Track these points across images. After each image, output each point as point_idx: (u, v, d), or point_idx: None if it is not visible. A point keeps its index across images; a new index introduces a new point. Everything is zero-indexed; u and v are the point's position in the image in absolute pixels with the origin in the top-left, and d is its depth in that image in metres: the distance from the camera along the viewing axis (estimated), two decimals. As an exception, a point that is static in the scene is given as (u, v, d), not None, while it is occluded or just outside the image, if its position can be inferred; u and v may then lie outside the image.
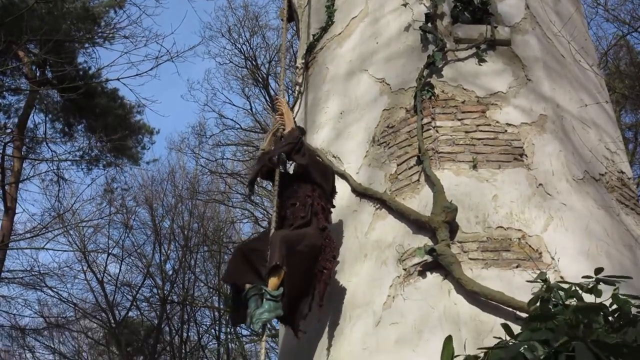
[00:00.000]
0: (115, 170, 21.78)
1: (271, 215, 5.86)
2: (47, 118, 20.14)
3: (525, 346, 2.71)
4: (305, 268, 5.31)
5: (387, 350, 5.13)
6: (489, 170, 5.64)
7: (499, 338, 3.02)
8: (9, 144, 18.21)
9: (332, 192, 5.90)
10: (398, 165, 5.98)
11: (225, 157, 24.56)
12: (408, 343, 5.02)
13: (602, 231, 5.54)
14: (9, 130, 18.69)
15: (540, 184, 5.59)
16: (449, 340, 2.98)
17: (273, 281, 5.01)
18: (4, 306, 21.23)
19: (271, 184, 6.01)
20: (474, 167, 5.66)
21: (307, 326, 5.54)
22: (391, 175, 5.98)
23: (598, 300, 3.22)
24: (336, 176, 6.44)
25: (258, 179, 6.45)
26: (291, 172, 6.15)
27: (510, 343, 2.86)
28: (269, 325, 5.23)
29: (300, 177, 5.80)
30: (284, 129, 5.97)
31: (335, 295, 5.71)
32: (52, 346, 24.57)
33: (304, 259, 5.26)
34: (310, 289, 5.39)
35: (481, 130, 5.89)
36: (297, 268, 5.16)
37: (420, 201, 5.59)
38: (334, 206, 5.91)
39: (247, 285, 5.24)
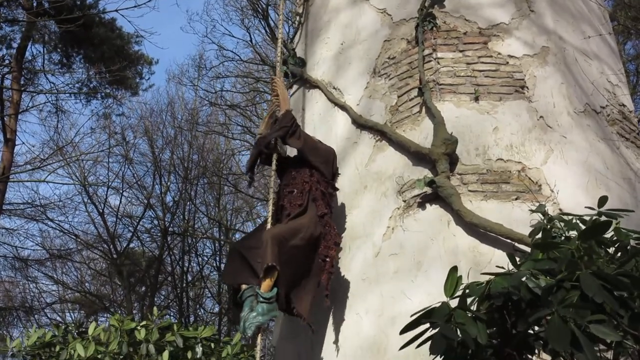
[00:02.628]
0: (114, 102, 21.73)
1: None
2: (45, 49, 19.98)
3: (528, 274, 2.73)
4: (303, 260, 5.10)
5: (386, 280, 5.19)
6: (489, 103, 5.62)
7: (501, 267, 3.05)
8: (6, 76, 18.10)
9: (334, 174, 5.70)
10: (399, 96, 5.95)
11: (224, 89, 24.44)
12: (407, 274, 5.08)
13: (601, 164, 5.55)
14: (6, 62, 18.55)
15: (541, 117, 5.57)
16: (453, 270, 3.00)
17: (266, 283, 4.81)
18: (6, 238, 21.44)
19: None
20: (475, 99, 5.63)
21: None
22: (392, 106, 5.95)
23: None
24: (337, 108, 6.42)
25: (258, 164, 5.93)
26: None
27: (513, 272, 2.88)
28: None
29: (298, 162, 5.61)
30: (280, 111, 5.73)
31: (336, 228, 5.74)
32: (55, 277, 24.87)
33: (300, 252, 5.05)
34: (312, 279, 5.17)
35: (483, 62, 5.85)
36: (293, 262, 4.97)
37: (421, 133, 5.58)
38: (337, 189, 5.76)
39: (243, 286, 5.04)
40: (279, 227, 5.16)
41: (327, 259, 5.14)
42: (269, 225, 5.27)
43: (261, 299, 4.76)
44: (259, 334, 4.88)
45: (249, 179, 6.27)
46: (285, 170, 5.63)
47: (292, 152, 5.92)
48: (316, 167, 5.51)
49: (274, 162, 5.56)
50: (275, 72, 6.46)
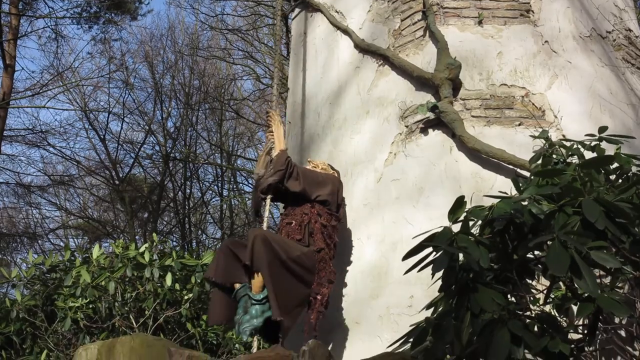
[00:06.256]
0: (113, 27, 21.48)
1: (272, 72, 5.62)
2: (43, -29, 19.64)
3: (530, 198, 2.72)
4: (293, 282, 4.79)
5: (387, 206, 5.21)
6: (494, 27, 5.54)
7: (504, 193, 3.03)
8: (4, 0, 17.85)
9: (339, 205, 5.31)
10: (402, 20, 5.87)
11: (225, 13, 24.08)
12: (409, 199, 5.09)
13: (606, 90, 5.51)
14: (3, -16, 18.27)
15: (546, 41, 5.50)
16: (460, 199, 2.97)
17: (256, 283, 4.63)
18: (8, 164, 21.47)
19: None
20: (479, 23, 5.55)
21: None
22: (395, 30, 5.87)
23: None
24: (339, 32, 6.34)
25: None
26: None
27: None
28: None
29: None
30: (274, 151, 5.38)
31: (337, 153, 5.74)
32: (58, 203, 25.01)
33: (290, 271, 4.76)
34: (297, 309, 4.82)
35: (488, -15, 5.75)
36: (283, 279, 4.71)
37: (424, 57, 5.52)
38: (340, 220, 5.32)
39: (237, 285, 4.78)
40: (270, 232, 4.98)
41: (318, 297, 4.88)
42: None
43: (253, 301, 4.61)
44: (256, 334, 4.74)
45: (257, 220, 5.92)
46: (286, 196, 5.32)
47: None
48: (319, 200, 5.18)
49: (267, 207, 5.40)
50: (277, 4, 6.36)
